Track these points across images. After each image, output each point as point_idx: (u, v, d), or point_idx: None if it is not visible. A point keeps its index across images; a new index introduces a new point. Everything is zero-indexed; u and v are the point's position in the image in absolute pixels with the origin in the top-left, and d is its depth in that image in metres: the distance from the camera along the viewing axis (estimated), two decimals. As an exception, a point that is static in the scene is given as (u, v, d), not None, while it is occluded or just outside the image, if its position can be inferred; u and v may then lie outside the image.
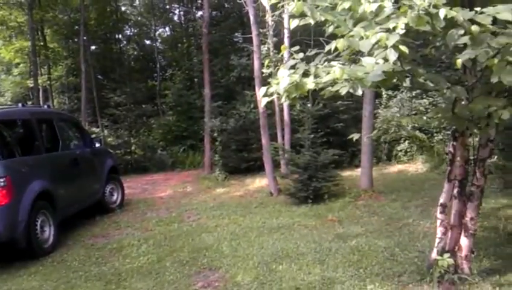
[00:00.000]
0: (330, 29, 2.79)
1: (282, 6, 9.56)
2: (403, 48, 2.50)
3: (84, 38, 16.37)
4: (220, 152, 12.43)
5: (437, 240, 4.41)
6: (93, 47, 20.62)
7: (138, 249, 6.13)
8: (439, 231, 4.40)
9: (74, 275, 5.34)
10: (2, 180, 5.50)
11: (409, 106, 11.91)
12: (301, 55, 2.74)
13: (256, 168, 12.01)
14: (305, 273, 4.80)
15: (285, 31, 10.64)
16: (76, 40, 19.56)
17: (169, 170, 14.77)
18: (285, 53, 10.31)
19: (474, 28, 2.66)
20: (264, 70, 9.91)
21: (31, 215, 5.90)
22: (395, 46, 2.47)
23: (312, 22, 2.58)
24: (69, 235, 7.04)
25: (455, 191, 4.24)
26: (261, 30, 10.45)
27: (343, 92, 2.57)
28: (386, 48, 2.47)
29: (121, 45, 21.92)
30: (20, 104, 7.38)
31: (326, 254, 5.34)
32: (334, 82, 2.59)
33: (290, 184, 8.78)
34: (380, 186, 9.12)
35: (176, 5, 21.89)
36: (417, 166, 11.60)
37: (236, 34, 18.34)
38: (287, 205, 8.41)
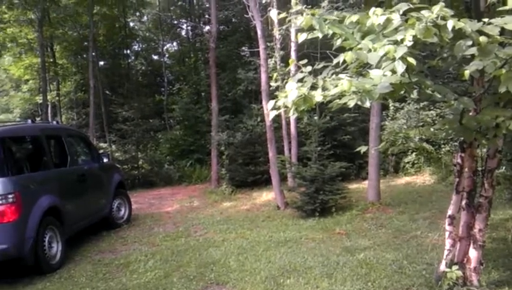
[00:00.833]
0: (338, 43, 2.80)
1: (289, 20, 9.65)
2: (411, 59, 2.50)
3: (93, 54, 16.53)
4: (226, 166, 12.43)
5: (445, 252, 4.38)
6: (101, 62, 20.82)
7: (145, 265, 6.10)
8: (448, 243, 4.36)
9: (81, 291, 5.32)
10: (11, 196, 5.51)
11: (416, 117, 11.87)
12: (309, 68, 2.75)
13: (263, 182, 11.99)
14: (312, 287, 4.76)
15: (292, 44, 10.69)
16: (85, 56, 19.77)
17: (176, 184, 14.78)
18: (292, 66, 10.38)
19: (482, 38, 2.65)
20: (272, 83, 9.94)
21: (39, 232, 5.89)
22: (402, 58, 2.47)
23: (320, 35, 2.59)
24: (76, 251, 7.03)
25: (463, 202, 4.22)
26: (268, 44, 10.51)
27: (351, 104, 2.56)
28: (393, 60, 2.47)
29: (129, 60, 22.12)
30: (29, 121, 7.43)
31: (334, 268, 5.30)
32: (342, 95, 2.59)
33: (297, 197, 8.75)
34: (387, 199, 9.06)
35: (184, 20, 22.10)
36: (424, 178, 11.53)
37: (243, 48, 18.45)
38: (294, 218, 8.37)
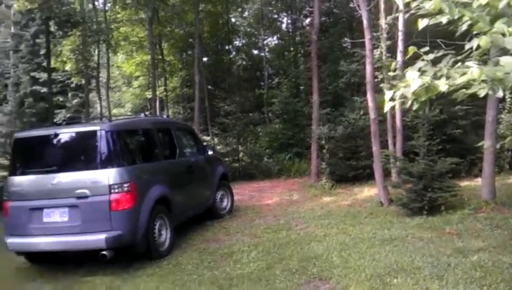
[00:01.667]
0: (463, 27, 2.56)
1: (397, 10, 9.19)
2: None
3: (198, 50, 17.19)
4: (327, 160, 12.24)
5: None
6: (205, 59, 21.59)
7: (248, 255, 6.19)
8: None
9: (188, 278, 5.54)
10: (126, 185, 5.88)
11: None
12: (431, 56, 2.55)
13: (364, 177, 11.65)
14: (422, 288, 4.51)
15: (400, 34, 10.17)
16: (190, 52, 20.62)
17: (275, 177, 14.88)
18: (399, 56, 9.89)
19: None
20: (380, 75, 9.51)
21: (151, 220, 6.23)
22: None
23: (444, 20, 2.39)
24: (183, 240, 7.32)
25: None
26: (373, 34, 10.11)
27: (481, 93, 2.33)
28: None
29: (231, 56, 22.69)
30: (142, 114, 7.88)
31: (444, 269, 4.96)
32: (469, 84, 2.37)
33: (403, 194, 8.34)
34: (503, 198, 8.31)
35: (284, 14, 22.18)
36: (546, 176, 10.44)
37: (345, 39, 18.06)
38: (398, 215, 8.00)
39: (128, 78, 23.22)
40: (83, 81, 18.01)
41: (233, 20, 22.46)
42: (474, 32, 2.45)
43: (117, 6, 16.76)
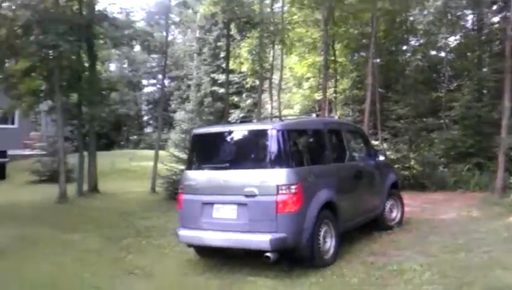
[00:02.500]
0: None
1: None
2: None
3: (373, 51, 16.56)
4: (517, 174, 10.63)
5: None
6: (377, 60, 20.77)
7: (421, 276, 5.55)
8: None
9: (353, 293, 5.16)
10: (293, 187, 5.73)
11: None
12: None
13: None
14: None
15: None
16: (362, 53, 20.02)
17: (450, 189, 13.57)
18: None
19: None
20: None
21: (316, 225, 5.98)
22: None
23: None
24: (347, 249, 6.93)
25: None
26: None
27: None
28: None
29: (406, 56, 21.45)
30: (314, 115, 7.71)
31: None
32: None
33: None
34: None
35: (469, 11, 20.13)
36: None
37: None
38: None
39: (299, 79, 23.51)
40: (257, 82, 18.73)
41: (411, 18, 21.13)
42: None
43: (294, 8, 17.05)
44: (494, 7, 18.69)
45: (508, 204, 10.32)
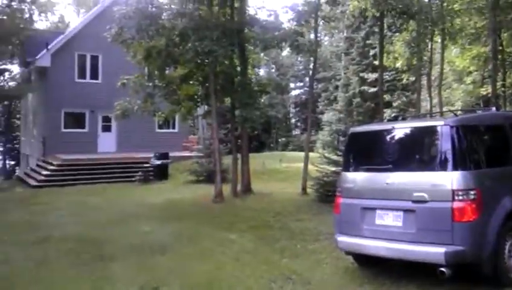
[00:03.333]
0: None
1: None
2: None
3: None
4: None
5: None
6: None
7: None
8: None
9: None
10: (472, 192, 4.91)
11: None
12: None
13: None
14: None
15: None
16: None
17: None
18: None
19: None
20: None
21: (500, 237, 5.06)
22: None
23: None
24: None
25: None
26: None
27: None
28: None
29: None
30: (493, 108, 6.67)
31: None
32: None
33: None
34: None
35: None
36: None
37: None
38: None
39: (459, 74, 21.44)
40: (413, 79, 17.40)
41: None
42: None
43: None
44: None
45: None
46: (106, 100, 18.53)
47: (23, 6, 23.15)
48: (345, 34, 38.79)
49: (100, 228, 9.42)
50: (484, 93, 18.33)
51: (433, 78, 17.98)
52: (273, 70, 46.80)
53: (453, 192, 4.91)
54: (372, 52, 31.85)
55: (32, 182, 19.08)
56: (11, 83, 35.70)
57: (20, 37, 22.14)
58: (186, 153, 22.39)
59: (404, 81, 22.44)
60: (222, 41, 12.49)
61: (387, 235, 5.40)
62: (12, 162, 42.28)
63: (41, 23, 45.42)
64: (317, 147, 30.03)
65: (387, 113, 27.64)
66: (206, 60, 13.12)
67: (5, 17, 19.82)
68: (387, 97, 29.14)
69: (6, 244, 8.12)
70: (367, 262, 6.15)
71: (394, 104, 30.26)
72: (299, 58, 45.37)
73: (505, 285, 5.11)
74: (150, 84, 14.47)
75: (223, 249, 7.54)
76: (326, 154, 13.35)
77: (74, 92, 22.56)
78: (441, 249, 4.84)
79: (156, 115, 15.18)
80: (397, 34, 17.52)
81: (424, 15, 14.69)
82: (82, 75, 23.43)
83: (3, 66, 31.26)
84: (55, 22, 47.83)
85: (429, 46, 16.56)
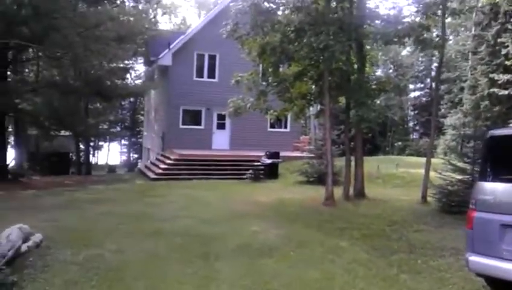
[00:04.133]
0: None
1: None
2: None
3: None
4: None
5: None
6: None
7: None
8: None
9: None
10: None
11: None
12: None
13: None
14: None
15: None
16: None
17: None
18: None
19: None
20: None
21: None
22: None
23: None
24: None
25: None
26: None
27: None
28: None
29: None
30: None
31: None
32: None
33: None
34: None
35: None
36: None
37: None
38: None
39: None
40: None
41: None
42: None
43: None
44: None
45: None
46: (221, 98, 18.81)
47: (148, 7, 24.49)
48: (473, 32, 35.64)
49: (209, 224, 9.35)
50: None
51: None
52: (391, 70, 44.65)
53: None
54: (504, 52, 28.76)
55: (151, 175, 20.04)
56: (137, 81, 38.41)
57: (145, 37, 23.46)
58: (297, 153, 22.03)
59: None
60: (339, 37, 11.86)
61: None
62: (136, 155, 45.63)
63: (165, 25, 48.37)
64: (438, 152, 27.92)
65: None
66: (322, 57, 12.58)
67: (131, 18, 21.01)
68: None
69: (121, 234, 8.35)
70: (503, 288, 5.19)
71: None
72: (419, 58, 42.83)
73: None
74: (264, 82, 14.30)
75: (332, 257, 6.97)
76: (451, 161, 12.08)
77: (192, 90, 23.37)
78: None
79: (268, 113, 14.99)
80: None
81: None
82: (200, 73, 24.17)
83: (130, 65, 33.63)
84: (177, 23, 50.58)
85: None
